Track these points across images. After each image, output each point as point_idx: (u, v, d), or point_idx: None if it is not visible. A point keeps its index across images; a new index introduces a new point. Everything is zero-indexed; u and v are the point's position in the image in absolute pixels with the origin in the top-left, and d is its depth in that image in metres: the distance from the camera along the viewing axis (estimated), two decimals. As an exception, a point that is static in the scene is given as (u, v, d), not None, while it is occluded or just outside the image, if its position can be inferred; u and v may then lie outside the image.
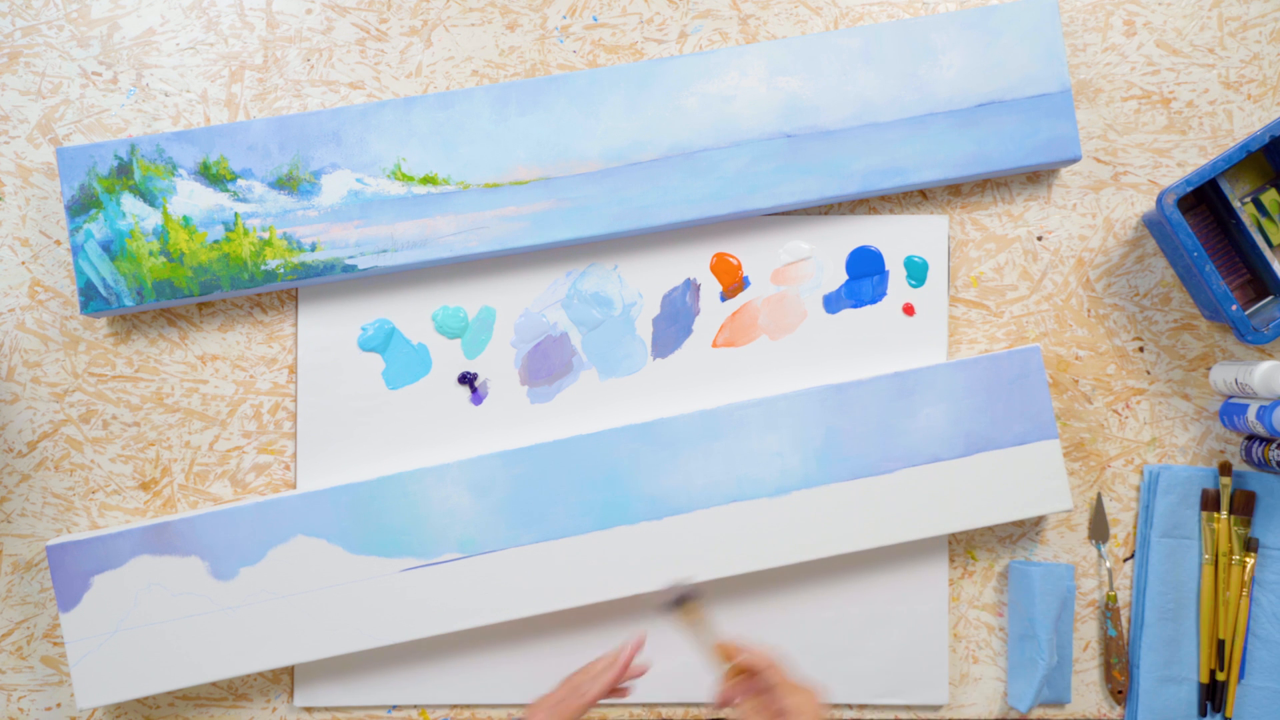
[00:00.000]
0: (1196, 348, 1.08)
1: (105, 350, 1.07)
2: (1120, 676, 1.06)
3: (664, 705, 1.07)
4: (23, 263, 1.07)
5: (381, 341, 1.06)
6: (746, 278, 1.07)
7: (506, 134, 1.03)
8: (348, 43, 1.08)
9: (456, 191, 1.03)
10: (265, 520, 1.01)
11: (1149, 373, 1.08)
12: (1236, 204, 1.03)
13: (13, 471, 1.07)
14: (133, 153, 1.02)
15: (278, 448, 1.07)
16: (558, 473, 1.02)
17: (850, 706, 1.07)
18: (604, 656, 0.90)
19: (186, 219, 1.02)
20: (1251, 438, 1.04)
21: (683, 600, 0.89)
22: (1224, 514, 1.05)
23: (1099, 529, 1.07)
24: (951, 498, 1.02)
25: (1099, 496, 1.07)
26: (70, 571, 1.01)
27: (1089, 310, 1.08)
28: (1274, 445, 1.00)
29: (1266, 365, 0.98)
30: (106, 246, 1.02)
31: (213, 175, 1.03)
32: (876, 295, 1.07)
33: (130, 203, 1.02)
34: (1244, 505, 1.04)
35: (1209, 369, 1.08)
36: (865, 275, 1.07)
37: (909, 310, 1.07)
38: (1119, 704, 1.07)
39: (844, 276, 1.07)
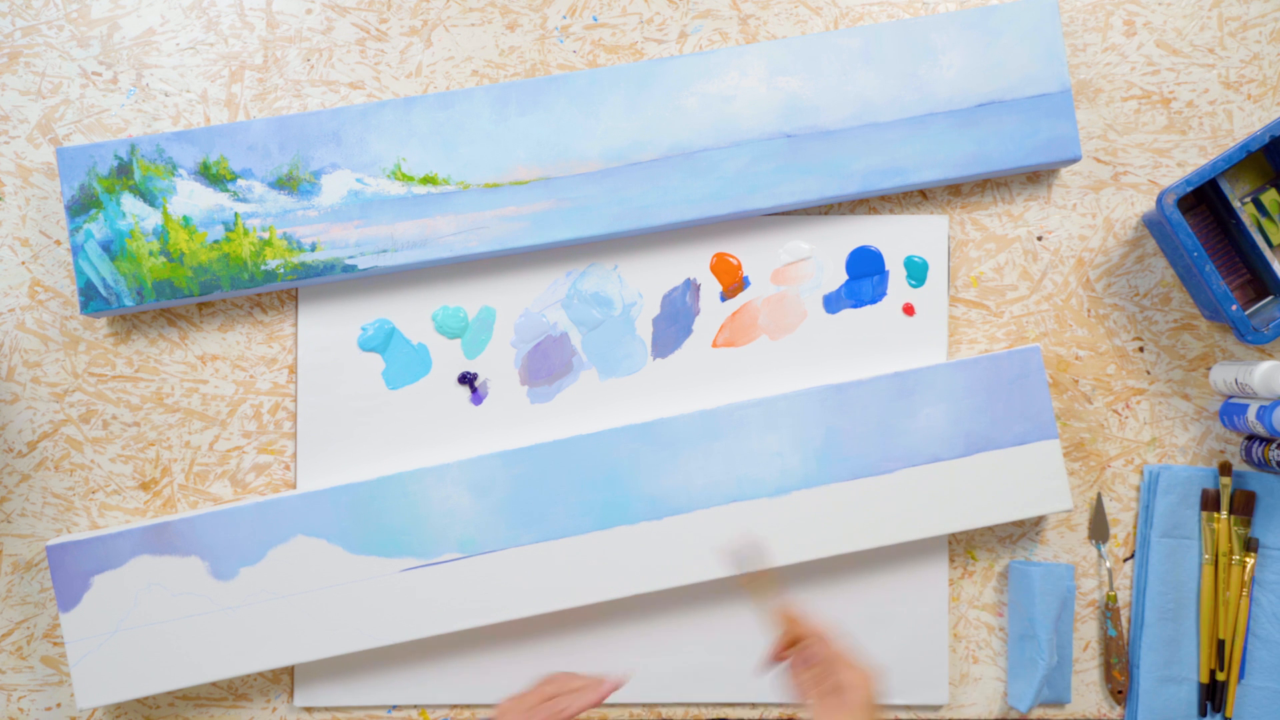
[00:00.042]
0: (1196, 348, 1.08)
1: (105, 350, 1.07)
2: (1120, 676, 1.06)
3: (664, 705, 1.07)
4: (23, 263, 1.07)
5: (381, 341, 1.06)
6: (746, 278, 1.07)
7: (506, 134, 1.03)
8: (348, 43, 1.08)
9: (456, 191, 1.03)
10: (265, 520, 1.01)
11: (1149, 373, 1.08)
12: (1236, 204, 1.03)
13: (13, 471, 1.07)
14: (133, 153, 1.02)
15: (278, 448, 1.07)
16: (558, 473, 1.02)
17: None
18: (583, 675, 0.88)
19: (186, 219, 1.02)
20: (1251, 438, 1.04)
21: (749, 558, 0.89)
22: (1224, 514, 1.05)
23: (1099, 529, 1.07)
24: (951, 498, 1.02)
25: (1099, 496, 1.07)
26: (70, 571, 1.01)
27: (1089, 310, 1.08)
28: (1274, 445, 1.00)
29: (1266, 365, 0.98)
30: (106, 246, 1.02)
31: (213, 175, 1.03)
32: (876, 295, 1.07)
33: (130, 203, 1.02)
34: (1244, 505, 1.04)
35: (1209, 369, 1.08)
36: (865, 275, 1.07)
37: (909, 310, 1.07)
38: (1119, 704, 1.07)
39: (844, 276, 1.07)
